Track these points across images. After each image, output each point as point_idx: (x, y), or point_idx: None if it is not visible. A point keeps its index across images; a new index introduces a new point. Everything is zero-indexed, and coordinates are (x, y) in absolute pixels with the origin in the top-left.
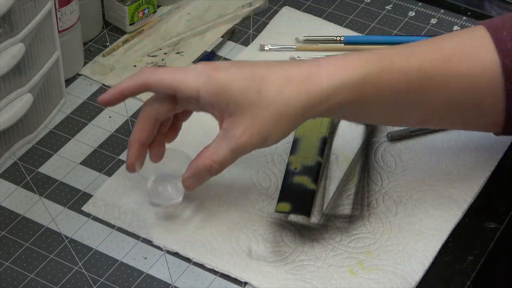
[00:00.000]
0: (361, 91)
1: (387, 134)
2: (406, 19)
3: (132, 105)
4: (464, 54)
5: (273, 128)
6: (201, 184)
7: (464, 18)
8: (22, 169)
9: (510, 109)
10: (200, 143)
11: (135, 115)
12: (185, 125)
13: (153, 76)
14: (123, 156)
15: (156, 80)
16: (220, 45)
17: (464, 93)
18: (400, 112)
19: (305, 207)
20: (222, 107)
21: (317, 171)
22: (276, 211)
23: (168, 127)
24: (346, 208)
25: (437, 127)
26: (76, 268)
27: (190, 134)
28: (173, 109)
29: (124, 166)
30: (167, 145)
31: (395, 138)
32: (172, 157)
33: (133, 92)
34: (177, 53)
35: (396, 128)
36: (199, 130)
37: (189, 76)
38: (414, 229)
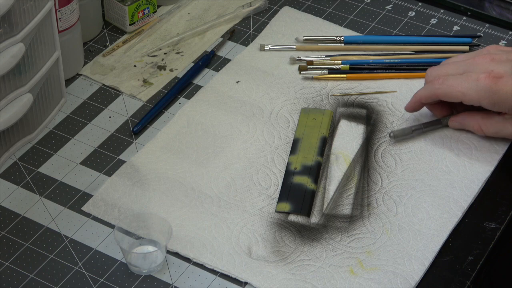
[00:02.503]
0: None
1: (390, 133)
2: (406, 19)
3: (132, 105)
4: None
5: None
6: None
7: (464, 18)
8: (22, 169)
9: None
10: (200, 142)
11: (135, 115)
12: (184, 124)
13: (441, 89)
14: (123, 156)
15: (443, 93)
16: (220, 45)
17: None
18: None
19: (305, 207)
20: (500, 110)
21: (317, 171)
22: (276, 211)
23: None
24: (346, 208)
25: None
26: (76, 268)
27: (189, 134)
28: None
29: (124, 166)
30: (150, 211)
31: (396, 136)
32: (154, 224)
33: (428, 101)
34: (177, 53)
35: (397, 128)
36: (199, 131)
37: (471, 90)
38: (414, 229)
